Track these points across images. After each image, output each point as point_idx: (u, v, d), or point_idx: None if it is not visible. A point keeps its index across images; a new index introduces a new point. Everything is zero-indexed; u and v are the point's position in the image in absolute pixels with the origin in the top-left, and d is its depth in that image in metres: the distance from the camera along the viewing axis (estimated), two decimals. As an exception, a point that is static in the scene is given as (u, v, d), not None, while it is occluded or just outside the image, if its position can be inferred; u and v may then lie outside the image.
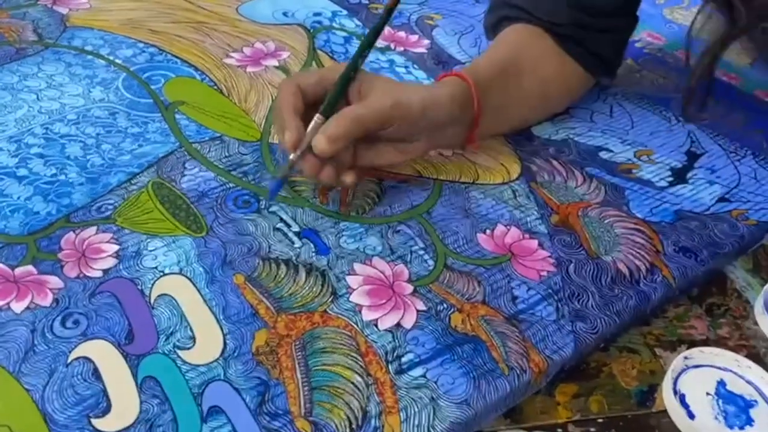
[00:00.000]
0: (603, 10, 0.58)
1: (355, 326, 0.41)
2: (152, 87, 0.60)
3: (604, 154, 0.59)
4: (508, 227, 0.50)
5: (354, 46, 0.70)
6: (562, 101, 0.62)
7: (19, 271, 0.43)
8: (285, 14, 0.73)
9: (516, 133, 0.60)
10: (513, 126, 0.59)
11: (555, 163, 0.57)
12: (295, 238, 0.47)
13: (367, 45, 0.49)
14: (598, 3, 0.58)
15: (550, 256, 0.48)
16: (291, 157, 0.45)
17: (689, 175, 0.57)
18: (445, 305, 0.43)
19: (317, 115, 0.46)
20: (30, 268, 0.43)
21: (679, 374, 0.42)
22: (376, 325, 0.41)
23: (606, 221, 0.51)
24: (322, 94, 0.48)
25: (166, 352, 0.39)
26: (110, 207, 0.48)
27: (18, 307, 0.40)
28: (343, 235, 0.48)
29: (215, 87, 0.61)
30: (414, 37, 0.72)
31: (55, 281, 0.42)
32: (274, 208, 0.49)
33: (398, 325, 0.42)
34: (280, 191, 0.49)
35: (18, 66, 0.61)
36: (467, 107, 0.52)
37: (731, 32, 0.55)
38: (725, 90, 0.70)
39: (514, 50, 0.59)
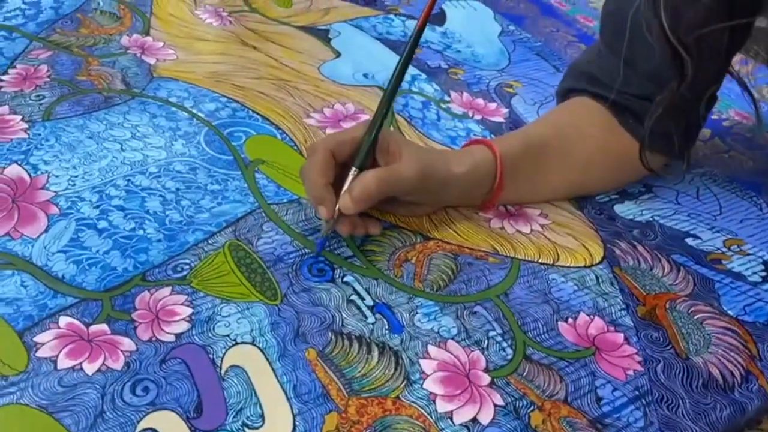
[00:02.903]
0: None
1: (429, 417, 0.39)
2: (233, 144, 0.60)
3: (691, 241, 0.56)
4: (592, 317, 0.47)
5: (432, 111, 0.69)
6: (605, 184, 0.60)
7: (93, 329, 0.42)
8: (365, 76, 0.73)
9: (597, 212, 0.58)
10: (543, 199, 0.58)
11: (640, 247, 0.54)
12: (368, 313, 0.46)
13: (396, 87, 0.49)
14: None
15: (636, 353, 0.45)
16: (326, 226, 0.49)
17: (785, 270, 0.54)
18: (524, 401, 0.41)
19: (353, 169, 0.48)
20: (104, 327, 0.43)
21: (778, 498, 0.39)
22: (450, 419, 0.39)
23: (696, 317, 0.48)
24: (356, 151, 0.49)
25: (234, 430, 0.38)
26: (186, 267, 0.47)
27: (90, 368, 0.40)
28: (417, 313, 0.46)
29: (295, 147, 0.61)
30: (492, 105, 0.71)
31: (127, 343, 0.42)
32: (348, 279, 0.48)
33: (474, 420, 0.40)
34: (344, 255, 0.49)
35: (105, 114, 0.62)
36: (488, 178, 0.53)
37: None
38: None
39: (560, 124, 0.58)
